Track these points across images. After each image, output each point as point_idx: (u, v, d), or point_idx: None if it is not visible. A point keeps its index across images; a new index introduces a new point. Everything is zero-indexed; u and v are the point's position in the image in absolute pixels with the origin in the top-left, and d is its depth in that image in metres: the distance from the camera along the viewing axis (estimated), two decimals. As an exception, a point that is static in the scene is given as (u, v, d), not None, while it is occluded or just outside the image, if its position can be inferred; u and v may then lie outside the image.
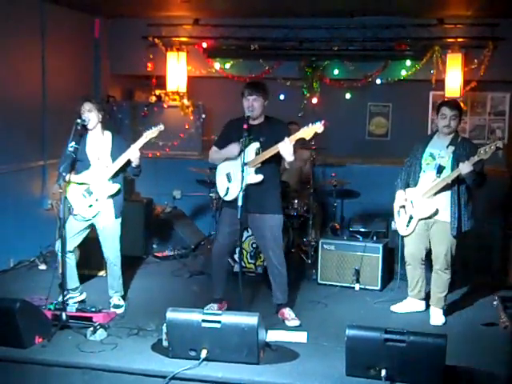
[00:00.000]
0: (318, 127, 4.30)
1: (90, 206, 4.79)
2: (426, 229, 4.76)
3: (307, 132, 4.34)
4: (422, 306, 4.97)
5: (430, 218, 4.69)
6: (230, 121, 4.84)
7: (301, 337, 4.33)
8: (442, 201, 4.64)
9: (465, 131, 7.79)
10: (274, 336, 4.28)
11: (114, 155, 4.81)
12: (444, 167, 4.61)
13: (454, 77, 7.09)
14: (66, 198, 4.61)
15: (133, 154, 4.73)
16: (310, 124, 4.35)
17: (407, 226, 4.82)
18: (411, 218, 4.78)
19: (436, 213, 4.65)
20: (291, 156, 4.41)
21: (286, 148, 4.37)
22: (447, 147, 4.63)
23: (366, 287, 5.58)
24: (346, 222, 7.05)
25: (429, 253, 4.86)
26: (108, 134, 4.93)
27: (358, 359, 3.63)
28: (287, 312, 4.75)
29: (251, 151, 4.57)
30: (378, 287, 5.56)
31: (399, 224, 4.91)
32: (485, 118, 7.87)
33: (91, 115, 4.76)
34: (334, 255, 5.73)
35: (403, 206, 4.84)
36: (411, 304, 5.00)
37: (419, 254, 4.85)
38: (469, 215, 4.64)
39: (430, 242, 4.80)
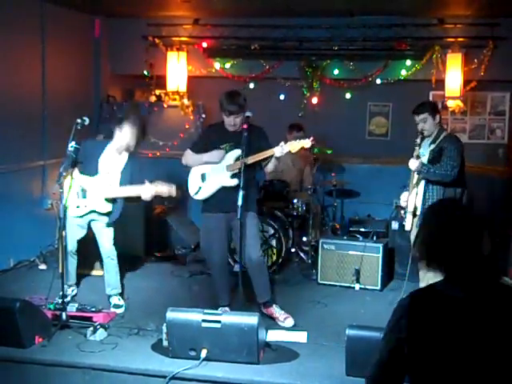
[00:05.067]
0: (306, 143, 4.49)
1: (78, 207, 4.85)
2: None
3: (294, 146, 4.49)
4: None
5: (414, 214, 4.77)
6: (209, 126, 4.90)
7: (301, 337, 4.34)
8: (419, 198, 4.76)
9: (465, 131, 7.79)
10: (273, 336, 4.28)
11: (124, 176, 4.83)
12: None
13: (454, 76, 7.08)
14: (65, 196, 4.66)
15: (146, 193, 4.70)
16: (300, 140, 4.52)
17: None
18: (406, 213, 4.91)
19: (415, 210, 4.76)
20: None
21: (280, 152, 4.50)
22: (429, 145, 4.76)
23: (366, 287, 5.59)
24: (346, 221, 7.05)
25: None
26: (125, 154, 4.93)
27: (358, 359, 3.62)
28: (277, 311, 4.74)
29: (231, 157, 4.65)
30: (378, 287, 5.56)
31: (406, 220, 5.00)
32: (485, 117, 7.85)
33: (124, 138, 4.82)
34: (334, 255, 5.73)
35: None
36: None
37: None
38: None
39: None
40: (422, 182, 4.73)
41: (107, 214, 4.91)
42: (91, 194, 4.83)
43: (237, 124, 4.62)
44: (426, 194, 4.69)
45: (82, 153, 4.67)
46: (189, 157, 4.87)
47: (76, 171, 4.72)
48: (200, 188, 4.80)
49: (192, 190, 4.86)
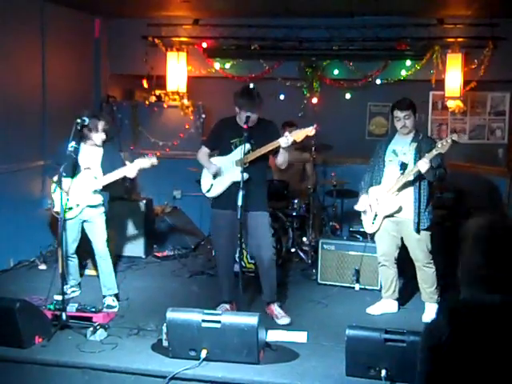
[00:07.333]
0: (310, 130, 4.46)
1: (70, 208, 4.85)
2: (395, 228, 4.81)
3: (298, 135, 4.46)
4: (395, 306, 5.01)
5: (392, 215, 4.75)
6: (221, 120, 4.89)
7: (301, 337, 4.33)
8: (406, 198, 4.69)
9: (465, 131, 7.79)
10: (274, 336, 4.28)
11: (105, 166, 4.89)
12: (407, 164, 4.66)
13: (453, 77, 7.09)
14: (66, 196, 4.68)
15: (131, 172, 4.84)
16: (303, 128, 4.48)
17: (373, 223, 4.88)
18: (376, 215, 4.84)
19: (399, 210, 4.71)
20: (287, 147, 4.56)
21: (285, 143, 4.47)
22: (410, 144, 4.69)
23: (366, 287, 5.58)
24: (346, 221, 7.05)
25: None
26: (100, 148, 5.01)
27: (358, 359, 3.63)
28: (276, 309, 4.77)
29: (240, 152, 4.62)
30: (378, 287, 5.55)
31: (365, 221, 4.97)
32: (485, 117, 7.86)
33: (102, 135, 4.91)
34: (333, 255, 5.73)
35: (369, 204, 4.89)
36: (386, 305, 5.00)
37: (392, 254, 4.90)
38: (428, 212, 4.69)
39: (402, 241, 4.86)
40: (411, 188, 4.65)
41: (98, 206, 4.96)
42: (79, 192, 4.84)
43: (252, 120, 4.61)
44: (421, 196, 4.64)
45: (61, 155, 4.75)
46: (200, 155, 4.93)
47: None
48: (212, 185, 4.82)
49: (204, 188, 4.89)
